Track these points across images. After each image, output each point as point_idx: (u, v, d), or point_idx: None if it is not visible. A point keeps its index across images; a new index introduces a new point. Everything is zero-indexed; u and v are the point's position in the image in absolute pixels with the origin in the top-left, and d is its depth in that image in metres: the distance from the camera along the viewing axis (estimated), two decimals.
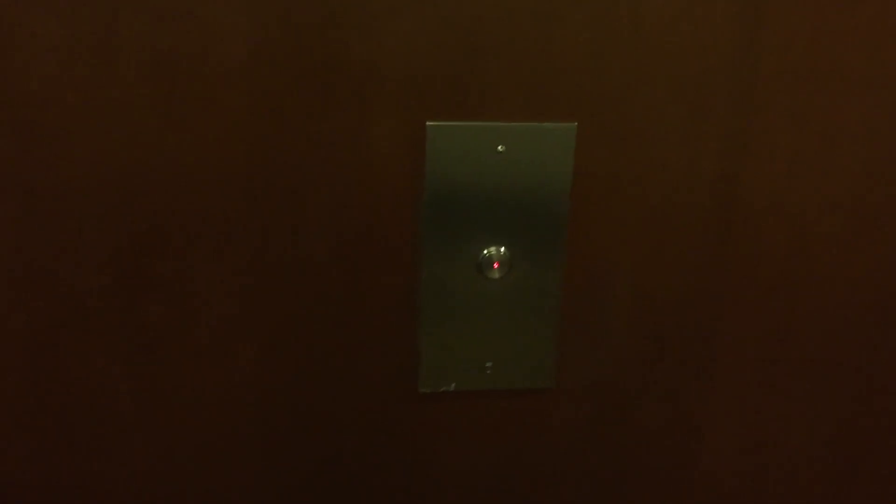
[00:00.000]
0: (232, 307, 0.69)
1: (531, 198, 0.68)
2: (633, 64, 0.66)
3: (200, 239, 0.67)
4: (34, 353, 0.68)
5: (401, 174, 0.67)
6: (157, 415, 0.71)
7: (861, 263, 0.75)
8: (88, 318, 0.67)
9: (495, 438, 0.76)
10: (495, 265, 0.69)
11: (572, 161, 0.67)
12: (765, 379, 0.78)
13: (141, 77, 0.62)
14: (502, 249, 0.69)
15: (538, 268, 0.70)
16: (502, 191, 0.68)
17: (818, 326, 0.77)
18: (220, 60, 0.62)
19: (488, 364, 0.72)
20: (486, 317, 0.71)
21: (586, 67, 0.66)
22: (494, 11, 0.64)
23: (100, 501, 0.73)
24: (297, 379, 0.72)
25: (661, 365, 0.76)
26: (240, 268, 0.68)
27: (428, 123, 0.65)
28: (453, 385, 0.73)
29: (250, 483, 0.74)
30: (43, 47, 0.60)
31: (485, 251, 0.69)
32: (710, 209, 0.72)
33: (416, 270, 0.70)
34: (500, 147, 0.66)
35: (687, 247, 0.73)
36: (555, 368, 0.74)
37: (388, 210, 0.68)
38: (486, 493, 0.78)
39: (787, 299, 0.75)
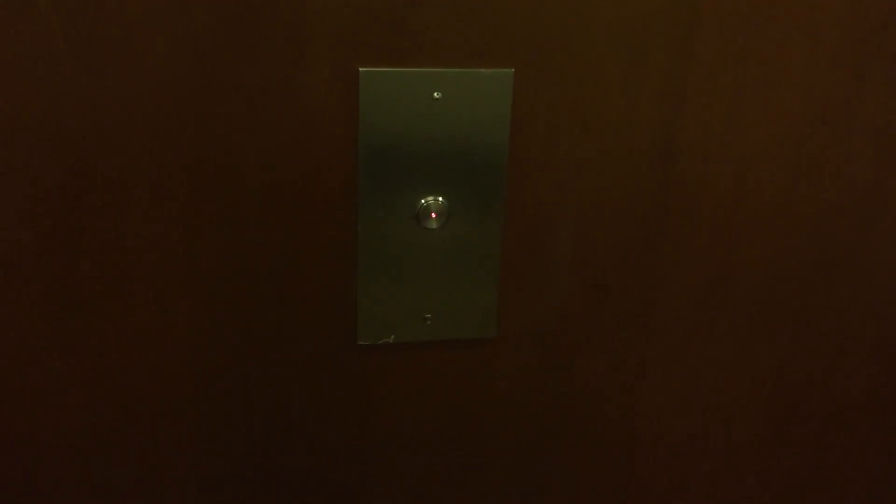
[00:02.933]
0: (165, 260, 0.67)
1: (469, 146, 0.67)
2: (571, 8, 0.65)
3: (129, 190, 0.64)
4: None
5: (336, 122, 0.65)
6: (89, 374, 0.69)
7: (800, 208, 0.76)
8: (11, 275, 0.65)
9: (437, 389, 0.76)
10: (433, 215, 0.68)
11: (510, 108, 0.66)
12: (704, 325, 0.78)
13: (58, 19, 0.59)
14: (440, 199, 0.68)
15: (477, 217, 0.69)
16: (439, 139, 0.66)
17: (757, 272, 0.77)
18: (142, 0, 0.60)
19: (428, 315, 0.72)
20: (425, 267, 0.70)
21: (524, 11, 0.64)
22: None
23: (30, 465, 0.71)
24: (233, 333, 0.70)
25: (602, 312, 0.76)
26: (172, 219, 0.66)
27: (361, 69, 0.63)
28: (392, 337, 0.72)
29: (188, 440, 0.73)
30: None
31: (422, 201, 0.68)
32: (650, 155, 0.71)
33: (354, 221, 0.68)
34: (436, 94, 0.65)
35: (627, 193, 0.72)
36: (496, 318, 0.73)
37: (323, 159, 0.66)
38: (427, 444, 0.78)
39: (727, 245, 0.76)
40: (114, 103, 0.62)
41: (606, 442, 0.81)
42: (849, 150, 0.74)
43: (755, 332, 0.80)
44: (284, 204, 0.67)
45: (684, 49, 0.68)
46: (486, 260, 0.71)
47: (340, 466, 0.77)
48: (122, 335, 0.69)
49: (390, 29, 0.63)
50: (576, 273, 0.74)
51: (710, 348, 0.79)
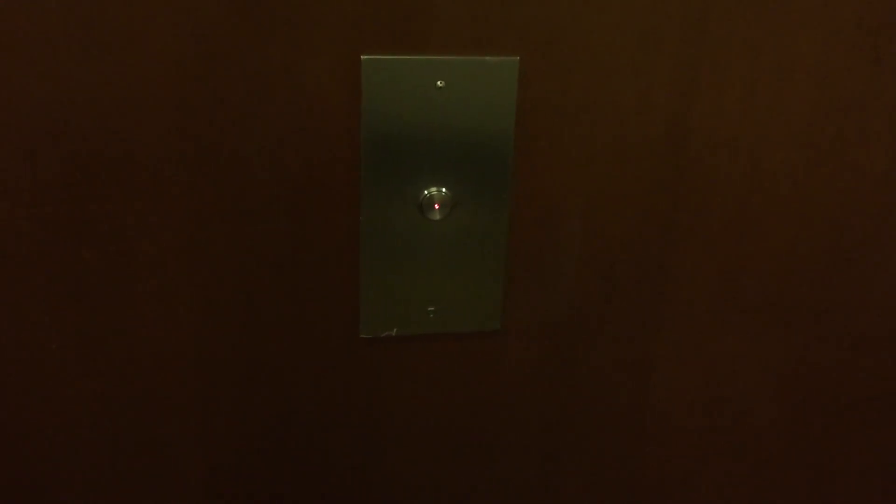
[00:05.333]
0: (167, 250, 0.66)
1: (473, 135, 0.65)
2: None
3: (131, 179, 0.63)
4: None
5: (338, 110, 0.64)
6: (92, 367, 0.69)
7: (814, 199, 0.74)
8: (12, 266, 0.64)
9: (441, 382, 0.75)
10: (436, 206, 0.66)
11: (515, 96, 0.65)
12: (716, 316, 0.77)
13: (56, 5, 0.58)
14: (443, 189, 0.66)
15: (482, 207, 0.68)
16: (443, 128, 0.65)
17: (770, 263, 0.76)
18: None
19: (431, 307, 0.70)
20: (428, 259, 0.69)
21: None
22: None
23: (33, 460, 0.71)
24: (237, 326, 0.70)
25: (611, 304, 0.75)
26: (174, 209, 0.65)
27: (363, 57, 0.62)
28: (395, 330, 0.71)
29: (192, 434, 0.73)
30: None
31: (426, 191, 0.66)
32: (661, 144, 0.70)
33: (356, 212, 0.67)
34: (439, 82, 0.63)
35: (637, 183, 0.71)
36: (500, 310, 0.72)
37: (326, 148, 0.65)
38: (433, 437, 0.77)
39: (740, 235, 0.74)
40: (115, 91, 0.61)
41: (616, 435, 0.80)
42: (865, 138, 0.72)
43: (768, 324, 0.78)
44: (287, 194, 0.66)
45: (697, 35, 0.66)
46: (491, 251, 0.70)
47: (345, 460, 0.76)
48: (124, 326, 0.68)
49: (394, 15, 0.62)
50: (584, 265, 0.73)
51: (722, 341, 0.78)
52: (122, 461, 0.73)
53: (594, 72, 0.66)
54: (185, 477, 0.74)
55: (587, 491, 0.82)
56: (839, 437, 0.85)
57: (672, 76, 0.67)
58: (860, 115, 0.71)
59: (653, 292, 0.75)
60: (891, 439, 0.86)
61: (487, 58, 0.63)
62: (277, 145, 0.64)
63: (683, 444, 0.82)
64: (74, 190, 0.63)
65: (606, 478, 0.82)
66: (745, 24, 0.66)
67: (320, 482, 0.77)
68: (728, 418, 0.82)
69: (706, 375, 0.79)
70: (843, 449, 0.85)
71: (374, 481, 0.78)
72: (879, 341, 0.81)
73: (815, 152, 0.72)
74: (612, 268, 0.73)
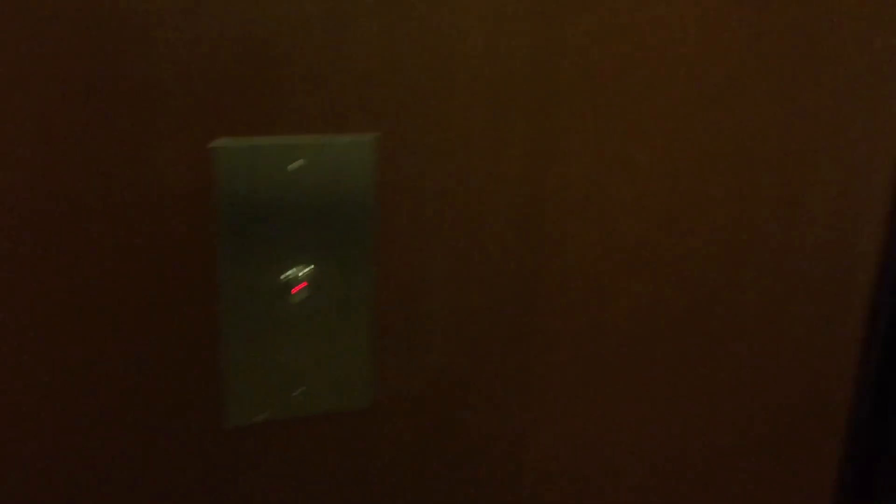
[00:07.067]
0: (12, 348, 0.62)
1: (333, 214, 0.65)
2: (431, 70, 0.64)
3: None
4: None
5: (192, 197, 0.62)
6: None
7: (668, 261, 0.76)
8: None
9: (313, 466, 0.73)
10: (298, 287, 0.65)
11: (372, 174, 0.65)
12: (583, 378, 0.78)
13: None
14: (306, 270, 0.65)
15: (345, 286, 0.67)
16: (302, 209, 0.64)
17: (630, 324, 0.78)
18: None
19: (300, 389, 0.69)
20: (293, 341, 0.67)
21: (384, 75, 0.63)
22: (283, 21, 0.60)
23: None
24: (91, 425, 0.66)
25: (480, 374, 0.75)
26: (22, 306, 0.61)
27: (213, 145, 0.61)
28: (261, 416, 0.68)
29: None
30: None
31: (287, 273, 0.65)
32: (518, 213, 0.71)
33: (215, 298, 0.65)
34: (295, 163, 0.63)
35: (497, 251, 0.71)
36: (370, 388, 0.71)
37: (181, 238, 0.63)
38: None
39: (599, 299, 0.76)
40: None
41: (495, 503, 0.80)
42: (710, 198, 0.75)
43: (634, 384, 0.80)
44: (140, 284, 0.63)
45: (548, 107, 0.68)
46: (357, 328, 0.69)
47: None
48: None
49: (246, 98, 0.61)
50: (450, 337, 0.73)
51: (591, 401, 0.79)
52: None
53: (449, 146, 0.67)
54: None
55: None
56: (712, 487, 0.87)
57: (524, 147, 0.69)
58: (705, 178, 0.75)
59: (520, 360, 0.75)
60: (763, 487, 0.88)
61: (342, 137, 0.63)
62: (129, 234, 0.62)
63: None
64: None
65: None
66: (591, 96, 0.69)
67: None
68: (607, 475, 0.82)
69: (581, 437, 0.80)
70: (720, 498, 0.87)
71: None
72: (742, 390, 0.83)
73: (666, 216, 0.75)
74: (479, 337, 0.74)
